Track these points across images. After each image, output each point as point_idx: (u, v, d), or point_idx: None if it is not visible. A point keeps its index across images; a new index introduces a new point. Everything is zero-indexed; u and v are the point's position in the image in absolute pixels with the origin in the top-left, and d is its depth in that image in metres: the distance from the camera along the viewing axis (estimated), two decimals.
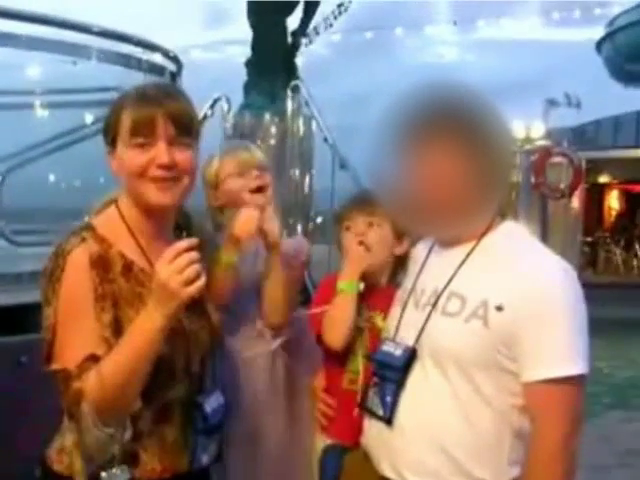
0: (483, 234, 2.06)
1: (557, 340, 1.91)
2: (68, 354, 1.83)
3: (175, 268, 1.71)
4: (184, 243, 1.75)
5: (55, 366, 1.85)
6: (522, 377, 1.94)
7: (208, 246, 2.17)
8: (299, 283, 2.68)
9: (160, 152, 1.90)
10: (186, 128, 1.95)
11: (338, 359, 2.48)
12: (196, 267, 1.73)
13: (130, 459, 1.92)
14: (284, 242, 2.63)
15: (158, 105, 1.90)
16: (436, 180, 1.95)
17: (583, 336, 1.93)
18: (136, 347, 1.78)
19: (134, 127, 1.90)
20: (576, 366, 1.90)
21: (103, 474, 1.88)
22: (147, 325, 1.77)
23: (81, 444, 1.87)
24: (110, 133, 1.97)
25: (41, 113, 6.06)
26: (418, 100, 1.96)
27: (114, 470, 1.89)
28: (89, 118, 5.46)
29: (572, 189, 17.24)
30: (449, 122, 1.92)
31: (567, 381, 1.89)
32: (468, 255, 2.05)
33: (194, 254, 1.74)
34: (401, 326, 2.16)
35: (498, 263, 2.00)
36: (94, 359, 1.81)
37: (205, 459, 2.08)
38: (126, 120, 1.92)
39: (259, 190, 2.60)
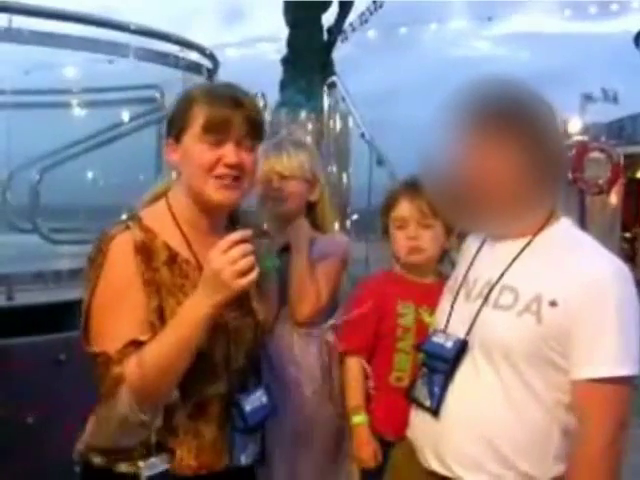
0: (539, 230, 2.04)
1: (608, 339, 1.88)
2: (109, 338, 1.83)
3: (229, 259, 1.71)
4: (238, 234, 1.75)
5: (95, 349, 1.85)
6: (571, 374, 1.92)
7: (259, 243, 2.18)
8: (333, 278, 2.65)
9: (229, 152, 1.91)
10: (257, 131, 1.97)
11: (386, 358, 2.47)
12: (250, 259, 1.72)
13: (164, 453, 1.92)
14: (322, 238, 2.65)
15: (236, 106, 1.92)
16: (492, 175, 1.94)
17: (635, 337, 1.90)
18: (180, 335, 1.78)
19: (209, 124, 1.92)
20: (625, 367, 1.87)
21: (141, 463, 1.89)
22: (193, 314, 1.77)
23: (104, 425, 1.88)
24: (177, 125, 1.98)
25: (78, 111, 6.10)
26: (475, 95, 1.95)
27: (152, 459, 1.90)
28: (126, 116, 5.48)
29: (610, 184, 17.05)
30: (506, 118, 1.91)
31: (615, 381, 1.87)
32: (523, 250, 2.03)
33: (248, 246, 1.73)
34: (452, 318, 2.14)
35: (553, 259, 1.98)
36: (136, 345, 1.81)
37: (244, 459, 2.05)
38: (200, 115, 1.93)
39: (277, 199, 2.61)
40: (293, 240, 2.59)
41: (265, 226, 2.61)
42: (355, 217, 6.62)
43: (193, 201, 1.98)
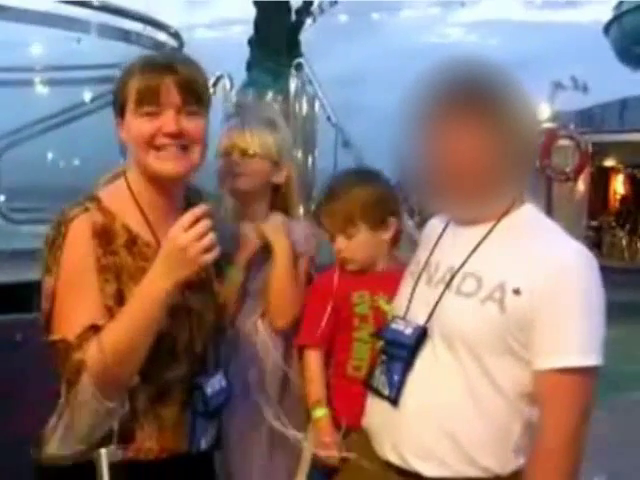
0: (503, 215, 1.99)
1: (571, 329, 1.83)
2: (68, 324, 1.79)
3: (195, 235, 1.68)
4: (199, 210, 1.71)
5: (54, 336, 1.80)
6: (533, 365, 1.87)
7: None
8: (305, 279, 2.59)
9: (168, 120, 1.85)
10: (195, 95, 1.90)
11: (344, 348, 2.43)
12: (212, 235, 1.70)
13: (126, 437, 1.87)
14: (295, 229, 2.58)
15: (165, 72, 1.86)
16: (461, 158, 1.89)
17: (599, 327, 1.86)
18: (139, 317, 1.74)
19: (140, 95, 1.86)
20: (589, 357, 1.83)
21: (102, 450, 1.83)
22: (152, 294, 1.73)
23: (74, 419, 1.82)
24: (118, 102, 1.93)
25: (41, 90, 6.00)
26: (444, 77, 1.91)
27: (113, 446, 1.85)
28: (89, 96, 5.40)
29: (578, 172, 17.22)
30: (476, 100, 1.87)
31: (578, 372, 1.82)
32: (487, 235, 1.98)
33: (210, 221, 1.70)
34: (412, 303, 2.08)
35: (517, 246, 1.93)
36: (95, 329, 1.77)
37: (204, 443, 2.03)
38: (133, 88, 1.87)
39: (236, 174, 2.52)
40: (275, 243, 2.49)
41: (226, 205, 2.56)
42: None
43: (146, 178, 1.93)
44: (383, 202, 2.42)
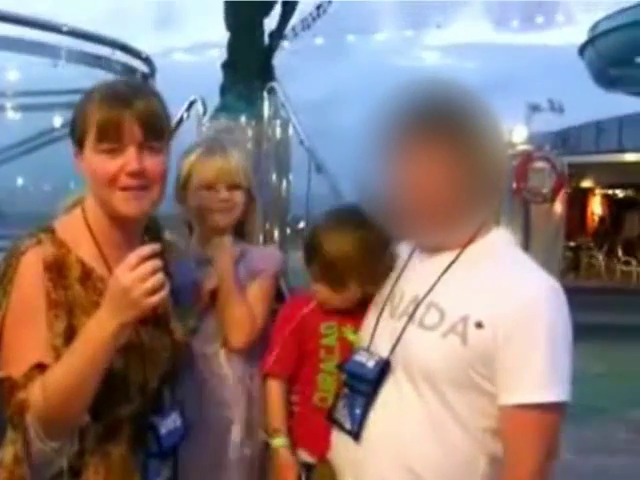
0: (468, 243, 1.92)
1: (537, 363, 1.76)
2: (15, 361, 1.73)
3: (139, 276, 1.61)
4: (147, 249, 1.64)
5: (0, 374, 1.74)
6: (498, 400, 1.80)
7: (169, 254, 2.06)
8: (267, 298, 2.50)
9: (129, 159, 1.78)
10: (156, 131, 1.83)
11: (310, 378, 2.35)
12: (160, 276, 1.63)
13: (73, 477, 1.80)
14: (254, 251, 2.51)
15: (125, 106, 1.78)
16: (423, 184, 1.82)
17: (566, 360, 1.80)
18: (85, 357, 1.67)
19: (101, 131, 1.78)
20: (555, 392, 1.77)
21: None
22: (98, 334, 1.66)
23: (27, 455, 1.75)
24: (77, 132, 1.84)
25: (12, 115, 5.94)
26: (406, 99, 1.84)
27: None
28: (59, 121, 5.35)
29: (554, 194, 17.26)
30: (440, 122, 1.80)
31: (544, 408, 1.76)
32: (451, 264, 1.91)
33: (158, 262, 1.63)
34: (376, 335, 2.02)
35: (482, 276, 1.86)
36: (42, 368, 1.71)
37: None
38: (92, 122, 1.79)
39: (223, 210, 2.43)
40: (218, 264, 2.41)
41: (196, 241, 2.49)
42: (301, 225, 6.54)
43: (104, 213, 1.87)
44: (376, 255, 2.20)
